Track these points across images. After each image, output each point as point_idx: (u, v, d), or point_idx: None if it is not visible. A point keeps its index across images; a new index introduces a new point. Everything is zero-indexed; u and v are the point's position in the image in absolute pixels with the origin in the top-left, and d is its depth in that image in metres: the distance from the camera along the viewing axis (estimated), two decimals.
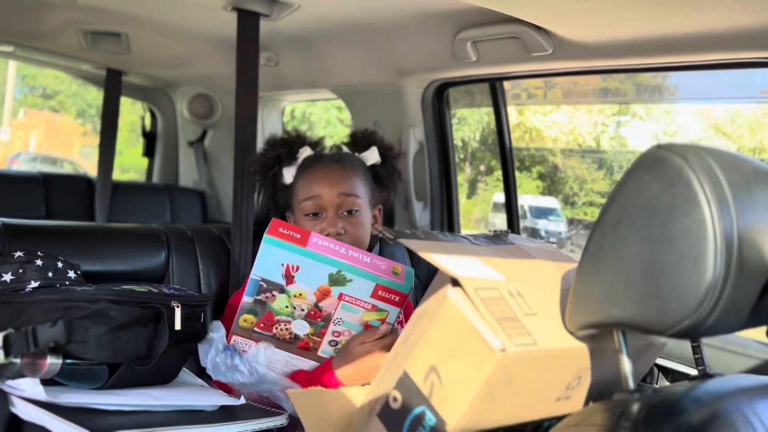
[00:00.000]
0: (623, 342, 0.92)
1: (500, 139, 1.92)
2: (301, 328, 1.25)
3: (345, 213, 1.34)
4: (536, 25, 1.40)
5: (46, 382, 1.05)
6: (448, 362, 0.85)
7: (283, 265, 1.19)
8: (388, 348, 1.17)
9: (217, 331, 1.25)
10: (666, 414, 0.79)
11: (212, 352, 1.23)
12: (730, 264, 0.79)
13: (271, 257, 1.19)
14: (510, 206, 1.94)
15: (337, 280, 1.19)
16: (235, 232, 1.55)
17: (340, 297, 1.20)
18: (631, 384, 0.91)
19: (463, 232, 2.11)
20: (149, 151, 2.82)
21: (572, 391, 0.94)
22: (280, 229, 1.19)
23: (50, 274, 1.23)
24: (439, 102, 1.97)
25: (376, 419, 0.94)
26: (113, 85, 2.37)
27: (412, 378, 0.89)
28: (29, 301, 1.11)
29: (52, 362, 1.06)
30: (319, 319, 1.23)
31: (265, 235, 1.19)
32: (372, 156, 1.46)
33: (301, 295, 1.21)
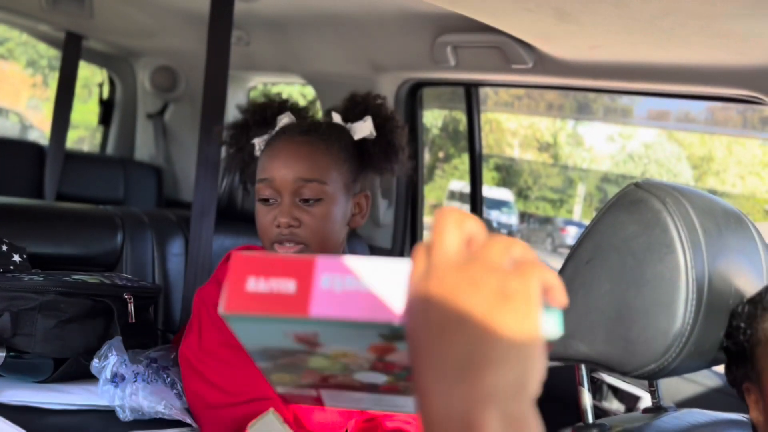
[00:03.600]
0: (585, 377, 0.93)
1: (471, 143, 1.91)
2: (374, 378, 0.81)
3: (302, 201, 1.08)
4: (519, 38, 1.38)
5: None
6: None
7: (287, 335, 0.66)
8: None
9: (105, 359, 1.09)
10: None
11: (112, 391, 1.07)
12: (699, 310, 0.80)
13: (256, 335, 0.60)
14: (475, 210, 1.94)
15: (395, 336, 0.75)
16: (195, 220, 1.50)
17: None
18: (590, 417, 0.93)
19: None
20: (105, 120, 2.70)
21: None
22: (250, 284, 0.53)
23: None
24: (412, 101, 1.94)
25: None
26: (72, 50, 2.25)
27: None
28: None
29: None
30: (395, 369, 0.81)
31: (222, 312, 0.56)
32: (363, 128, 1.14)
33: (345, 354, 0.71)
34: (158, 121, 2.59)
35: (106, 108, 2.70)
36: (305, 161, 1.07)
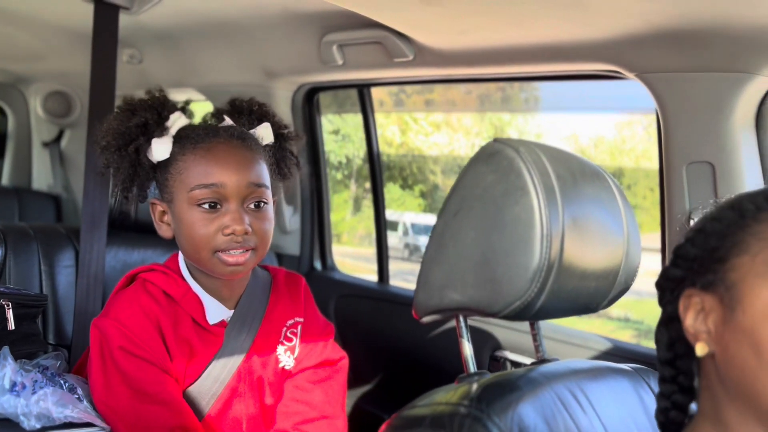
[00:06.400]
0: (464, 327, 0.96)
1: (368, 144, 1.96)
2: None
3: (251, 206, 1.07)
4: (397, 31, 1.44)
5: None
6: None
7: None
8: None
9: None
10: (500, 392, 0.83)
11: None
12: (556, 250, 0.84)
13: None
14: (378, 210, 1.97)
15: None
16: (86, 231, 1.46)
17: None
18: (472, 367, 0.95)
19: (346, 248, 2.11)
20: None
21: None
22: None
23: None
24: (309, 106, 1.97)
25: None
26: None
27: None
28: None
29: None
30: None
31: None
32: (266, 134, 1.14)
33: None
34: (54, 148, 2.52)
35: None
36: (253, 167, 1.07)
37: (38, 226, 1.47)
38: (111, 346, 1.05)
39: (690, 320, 0.66)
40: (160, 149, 1.07)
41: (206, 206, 1.04)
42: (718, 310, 0.64)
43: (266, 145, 1.15)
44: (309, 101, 1.96)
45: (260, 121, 1.15)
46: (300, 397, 1.15)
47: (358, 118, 1.97)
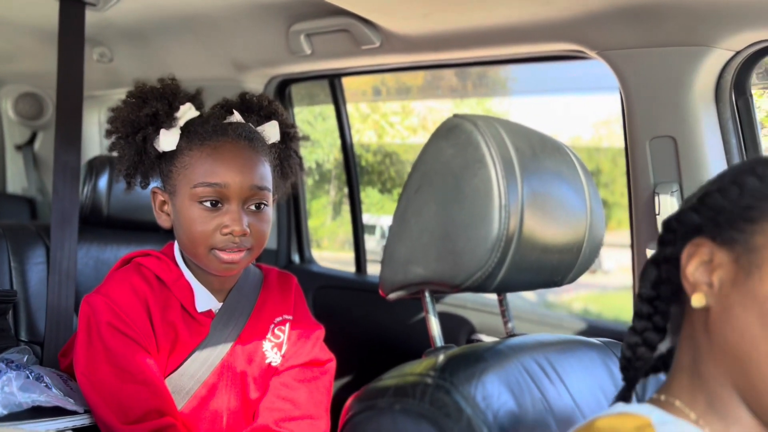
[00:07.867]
0: (431, 302, 0.97)
1: (342, 135, 1.96)
2: None
3: (252, 207, 1.07)
4: (363, 18, 1.45)
5: None
6: None
7: None
8: None
9: None
10: (465, 363, 0.83)
11: None
12: (515, 221, 0.85)
13: None
14: (353, 198, 1.98)
15: None
16: (56, 228, 1.45)
17: None
18: (438, 342, 0.96)
19: (326, 253, 2.10)
20: None
21: None
22: None
23: None
24: (281, 99, 1.97)
25: None
26: None
27: None
28: None
29: None
30: None
31: None
32: (273, 133, 1.14)
33: None
34: (28, 151, 2.50)
35: None
36: (257, 169, 1.08)
37: (7, 224, 1.46)
38: (99, 320, 1.05)
39: (692, 268, 0.63)
40: (167, 140, 1.07)
41: (207, 204, 1.05)
42: (729, 268, 0.61)
43: (272, 144, 1.15)
44: (281, 94, 1.96)
45: (268, 119, 1.15)
46: (285, 395, 1.13)
47: (328, 124, 1.97)
